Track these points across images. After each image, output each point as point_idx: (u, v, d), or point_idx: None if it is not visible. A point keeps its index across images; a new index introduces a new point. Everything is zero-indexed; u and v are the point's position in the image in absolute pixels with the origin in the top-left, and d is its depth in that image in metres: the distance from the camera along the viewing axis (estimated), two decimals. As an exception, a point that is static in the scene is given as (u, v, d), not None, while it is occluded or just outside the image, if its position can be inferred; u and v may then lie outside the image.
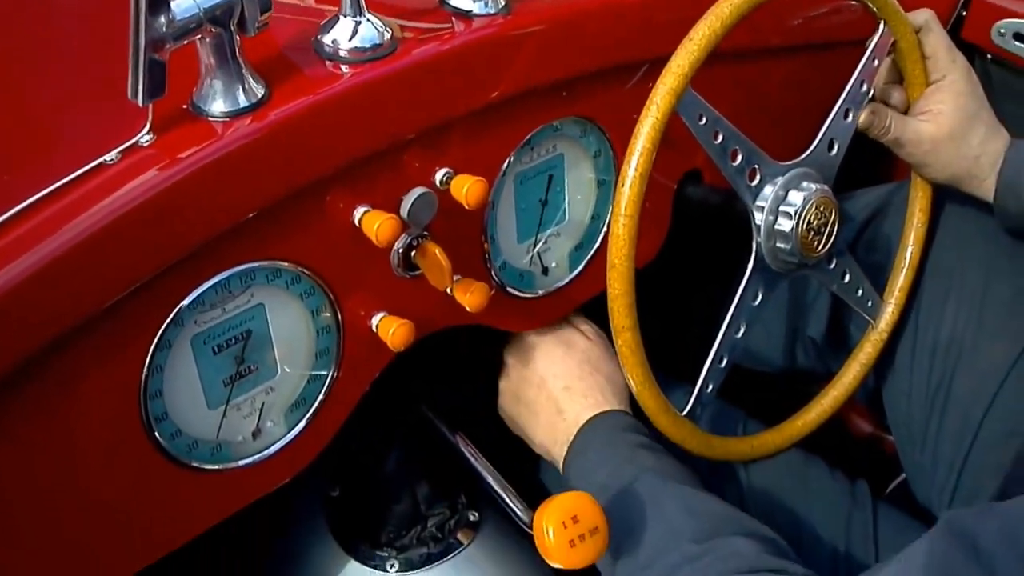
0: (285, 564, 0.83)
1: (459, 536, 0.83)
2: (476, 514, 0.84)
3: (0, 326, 0.52)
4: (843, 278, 0.84)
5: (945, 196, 0.89)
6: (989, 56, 0.97)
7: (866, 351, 0.87)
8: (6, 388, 0.54)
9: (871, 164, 1.01)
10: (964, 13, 0.96)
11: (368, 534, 0.83)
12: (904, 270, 0.87)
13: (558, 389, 0.79)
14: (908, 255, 0.87)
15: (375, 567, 0.81)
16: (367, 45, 0.62)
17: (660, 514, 0.65)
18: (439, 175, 0.66)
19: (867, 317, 0.87)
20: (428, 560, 0.81)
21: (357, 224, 0.64)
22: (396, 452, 0.84)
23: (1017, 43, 0.93)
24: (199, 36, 0.56)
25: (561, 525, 0.59)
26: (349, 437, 0.73)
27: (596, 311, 0.78)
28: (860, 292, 0.86)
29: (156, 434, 0.60)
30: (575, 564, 0.59)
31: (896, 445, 0.90)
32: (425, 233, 0.67)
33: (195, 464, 0.63)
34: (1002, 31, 0.94)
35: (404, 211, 0.65)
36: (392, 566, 0.81)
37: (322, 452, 0.70)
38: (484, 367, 0.82)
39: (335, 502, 0.86)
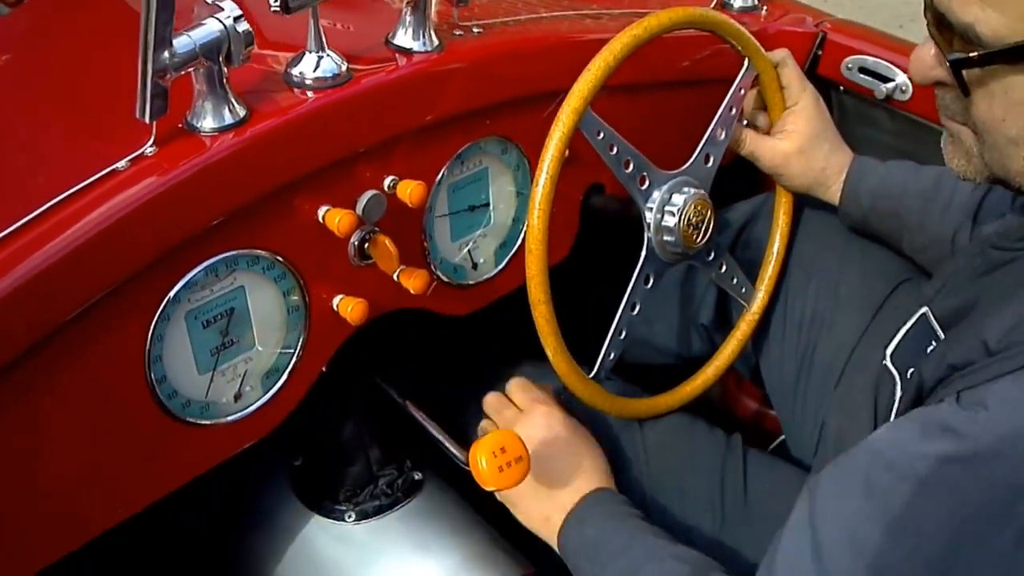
0: (257, 523, 0.96)
1: (405, 492, 0.97)
2: (420, 474, 0.98)
3: (38, 298, 0.65)
4: (721, 268, 1.01)
5: (804, 201, 1.07)
6: (841, 88, 1.16)
7: (742, 329, 1.04)
8: (41, 349, 0.66)
9: (748, 181, 1.19)
10: (819, 53, 1.15)
11: (328, 493, 0.96)
12: (772, 262, 1.05)
13: (552, 460, 0.86)
14: (775, 249, 1.05)
15: (335, 519, 0.94)
16: (328, 75, 0.77)
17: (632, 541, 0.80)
18: (387, 181, 0.81)
19: (742, 302, 1.04)
20: (380, 511, 0.95)
21: (321, 220, 0.78)
22: (351, 422, 0.97)
23: (863, 76, 1.12)
24: (194, 67, 0.70)
25: (491, 455, 0.73)
26: (310, 411, 0.87)
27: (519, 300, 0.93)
28: (735, 280, 1.03)
29: (158, 392, 0.74)
30: (504, 485, 0.74)
31: (775, 408, 1.07)
32: (376, 228, 0.81)
33: (189, 420, 0.76)
34: (850, 66, 1.13)
35: (359, 209, 0.79)
36: (350, 517, 0.94)
37: (285, 427, 0.84)
38: (428, 348, 0.97)
39: (298, 471, 0.99)
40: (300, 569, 0.93)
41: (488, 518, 0.96)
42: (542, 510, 0.85)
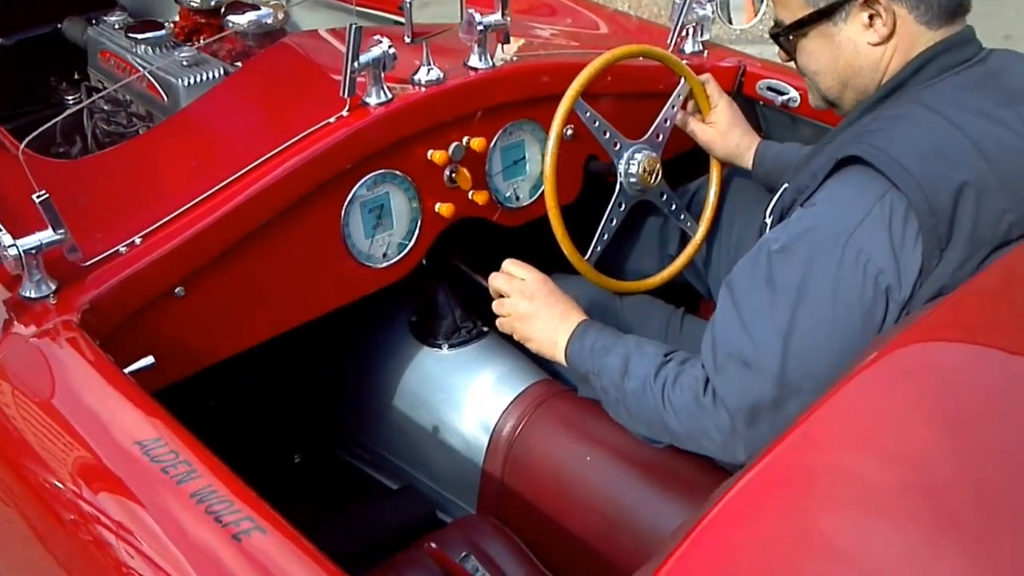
0: (387, 353, 1.58)
1: (476, 336, 1.58)
2: (486, 328, 1.59)
3: (292, 182, 1.29)
4: (672, 207, 1.61)
5: (732, 172, 1.67)
6: (760, 102, 1.78)
7: (688, 251, 1.63)
8: (288, 212, 1.30)
9: (700, 167, 1.79)
10: (743, 79, 1.78)
11: (430, 336, 1.58)
12: (709, 206, 1.64)
13: (546, 309, 1.37)
14: (711, 198, 1.63)
15: (435, 348, 1.57)
16: (433, 79, 1.41)
17: (622, 344, 1.33)
18: (465, 139, 1.44)
19: (689, 233, 1.65)
20: (460, 345, 1.56)
21: (429, 157, 1.41)
22: (443, 294, 1.59)
23: (770, 92, 1.74)
24: (368, 70, 1.35)
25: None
26: (422, 288, 1.49)
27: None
28: (683, 217, 1.63)
29: (346, 244, 1.37)
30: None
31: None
32: (458, 165, 1.44)
33: (360, 261, 1.39)
34: (761, 87, 1.75)
35: (450, 152, 1.42)
36: (443, 347, 1.56)
37: (407, 297, 1.46)
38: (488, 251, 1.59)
39: (413, 323, 1.61)
40: (412, 377, 1.56)
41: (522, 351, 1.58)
42: (551, 338, 1.37)
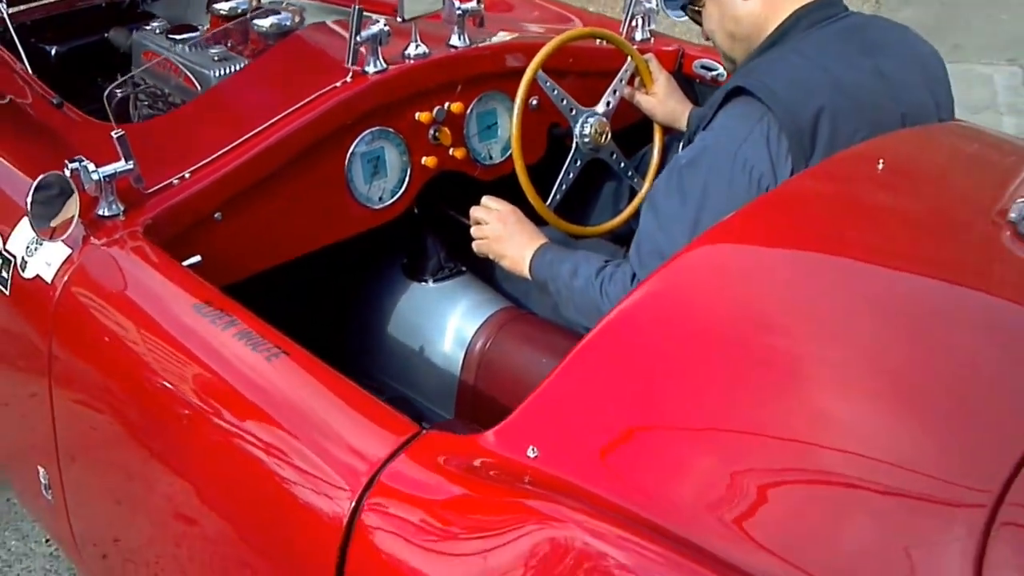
0: (383, 288, 1.90)
1: (455, 274, 1.90)
2: (464, 268, 1.91)
3: (304, 131, 1.62)
4: (620, 164, 1.94)
5: (673, 136, 2.00)
6: (696, 80, 2.11)
7: (636, 201, 1.95)
8: (300, 159, 1.63)
9: (647, 135, 2.12)
10: (682, 61, 2.11)
11: (418, 274, 1.90)
12: (652, 164, 1.97)
13: (517, 233, 1.78)
14: (654, 157, 1.97)
15: (422, 283, 1.88)
16: (420, 54, 1.75)
17: (574, 256, 1.68)
18: (447, 104, 1.78)
19: (636, 188, 1.97)
20: (442, 280, 1.88)
21: (416, 117, 1.75)
22: (430, 239, 1.92)
23: (703, 70, 2.08)
24: (367, 43, 1.69)
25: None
26: (412, 234, 1.82)
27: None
28: (630, 174, 1.96)
29: (348, 186, 1.69)
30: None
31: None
32: (441, 125, 1.78)
33: (360, 202, 1.72)
34: (697, 65, 2.09)
35: (433, 113, 1.76)
36: (428, 282, 1.88)
37: (399, 240, 1.79)
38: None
39: (404, 264, 1.93)
40: (404, 307, 1.88)
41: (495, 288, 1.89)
42: (519, 255, 1.69)
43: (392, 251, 1.93)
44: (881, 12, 4.08)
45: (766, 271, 1.15)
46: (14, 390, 1.64)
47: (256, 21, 2.24)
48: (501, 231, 1.70)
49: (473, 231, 1.75)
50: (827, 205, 1.23)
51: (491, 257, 1.74)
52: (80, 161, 1.44)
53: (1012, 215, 1.12)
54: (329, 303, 1.99)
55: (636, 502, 0.92)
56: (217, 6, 2.26)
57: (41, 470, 1.54)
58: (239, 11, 2.34)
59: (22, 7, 2.39)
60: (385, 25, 1.68)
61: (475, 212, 1.76)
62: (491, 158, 1.90)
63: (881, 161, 1.26)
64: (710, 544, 0.87)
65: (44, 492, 1.55)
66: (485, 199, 1.76)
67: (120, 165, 1.45)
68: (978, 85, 4.48)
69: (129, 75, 2.18)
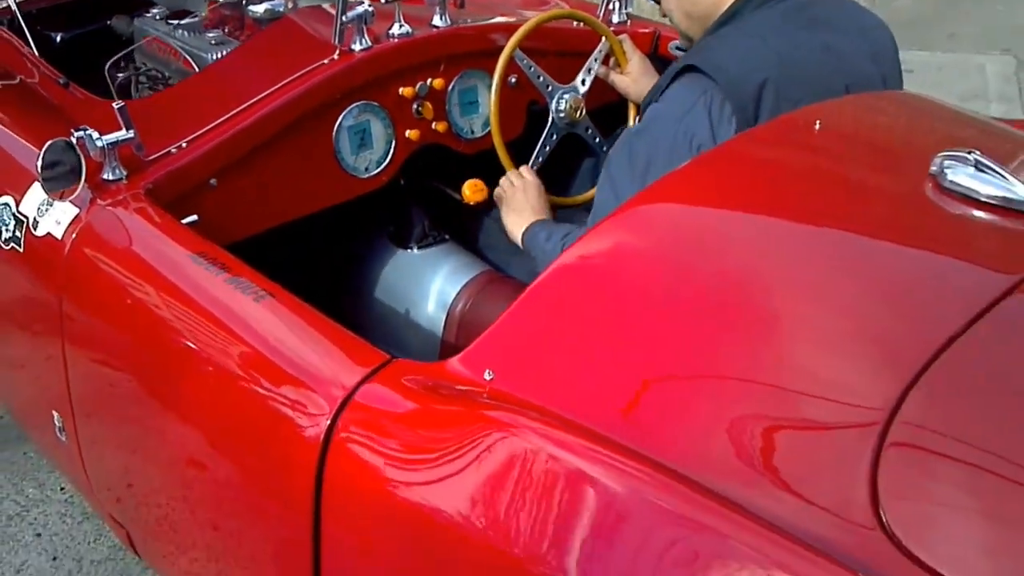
0: (370, 255, 2.02)
1: (438, 242, 2.01)
2: (447, 236, 2.03)
3: (297, 101, 1.74)
4: (595, 139, 2.06)
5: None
6: (673, 60, 2.22)
7: (609, 171, 2.07)
8: (291, 130, 1.75)
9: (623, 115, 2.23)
10: (658, 43, 2.22)
11: (404, 241, 2.01)
12: (625, 138, 2.09)
13: (525, 206, 1.90)
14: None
15: (407, 250, 2.00)
16: (404, 33, 1.87)
17: (552, 224, 1.81)
18: (429, 80, 1.89)
19: (611, 159, 2.08)
20: (426, 247, 1.99)
21: (400, 92, 1.86)
22: (416, 210, 2.03)
23: (678, 51, 2.19)
24: (354, 21, 1.80)
25: (470, 188, 1.80)
26: (398, 203, 1.94)
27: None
28: (605, 148, 2.07)
29: (337, 157, 1.81)
30: (474, 200, 1.80)
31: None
32: (424, 100, 1.89)
33: (348, 172, 1.83)
34: (672, 46, 2.20)
35: (416, 88, 1.87)
36: (413, 249, 1.99)
37: (386, 210, 1.91)
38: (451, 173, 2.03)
39: (391, 232, 2.05)
40: (390, 273, 1.99)
41: (477, 254, 2.01)
42: (516, 223, 1.84)
43: (380, 221, 2.05)
44: (878, 3, 4.16)
45: (697, 218, 1.26)
46: (29, 339, 1.76)
47: (251, 7, 2.36)
48: (515, 197, 1.86)
49: (498, 188, 1.91)
50: (760, 163, 1.34)
51: (500, 204, 1.89)
52: (85, 130, 1.56)
53: (932, 168, 1.23)
54: (322, 270, 2.11)
55: (579, 414, 1.03)
56: (214, -7, 2.38)
57: (55, 413, 1.66)
58: (235, -1, 2.46)
59: (29, -5, 2.52)
60: (370, 6, 1.79)
61: (510, 174, 1.91)
62: (472, 132, 2.02)
63: (818, 122, 1.37)
64: (651, 452, 0.99)
65: (58, 435, 1.67)
66: (522, 168, 1.92)
67: (122, 134, 1.57)
68: (970, 74, 4.58)
69: (127, 49, 2.30)
